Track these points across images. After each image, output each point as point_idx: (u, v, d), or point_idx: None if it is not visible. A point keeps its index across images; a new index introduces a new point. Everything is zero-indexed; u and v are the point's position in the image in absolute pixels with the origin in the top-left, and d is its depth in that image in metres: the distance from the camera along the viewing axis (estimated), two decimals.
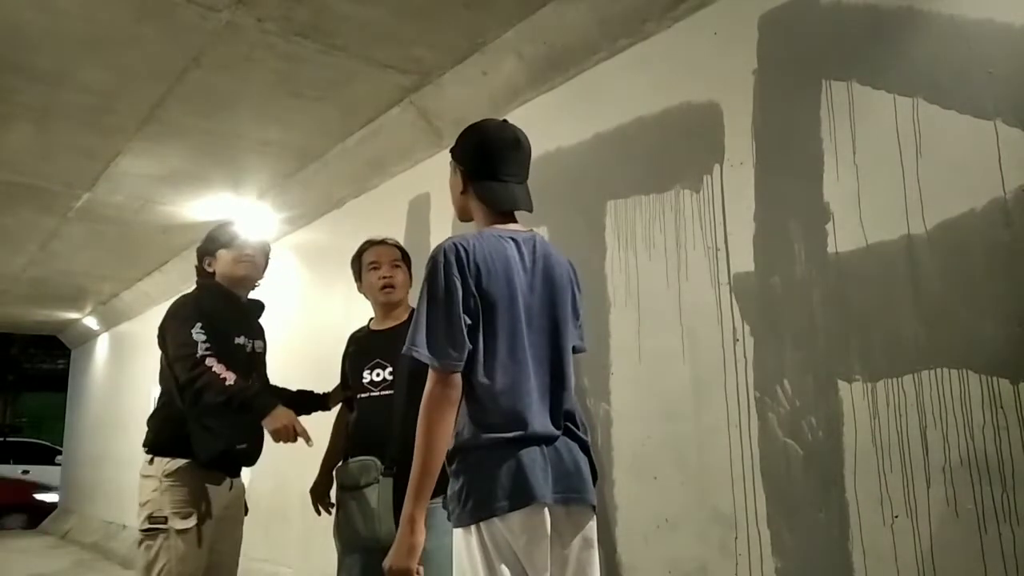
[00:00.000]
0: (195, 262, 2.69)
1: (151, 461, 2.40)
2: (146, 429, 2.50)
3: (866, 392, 1.94)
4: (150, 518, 2.31)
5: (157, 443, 2.43)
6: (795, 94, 2.20)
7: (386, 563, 1.46)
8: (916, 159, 1.90)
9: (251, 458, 2.57)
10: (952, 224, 1.82)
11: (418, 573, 1.45)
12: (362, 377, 2.40)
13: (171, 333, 2.39)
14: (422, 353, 1.48)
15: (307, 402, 2.68)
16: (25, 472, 11.64)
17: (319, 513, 2.63)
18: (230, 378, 2.25)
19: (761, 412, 2.17)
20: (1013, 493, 1.66)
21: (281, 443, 2.24)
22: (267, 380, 2.69)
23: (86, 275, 7.40)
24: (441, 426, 1.47)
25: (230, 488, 2.49)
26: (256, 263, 2.66)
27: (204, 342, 2.31)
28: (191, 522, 2.32)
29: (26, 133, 3.97)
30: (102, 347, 9.81)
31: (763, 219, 2.25)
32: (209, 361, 2.27)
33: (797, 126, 2.18)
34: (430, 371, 1.50)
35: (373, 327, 2.54)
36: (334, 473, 2.46)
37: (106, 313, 9.05)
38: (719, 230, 2.36)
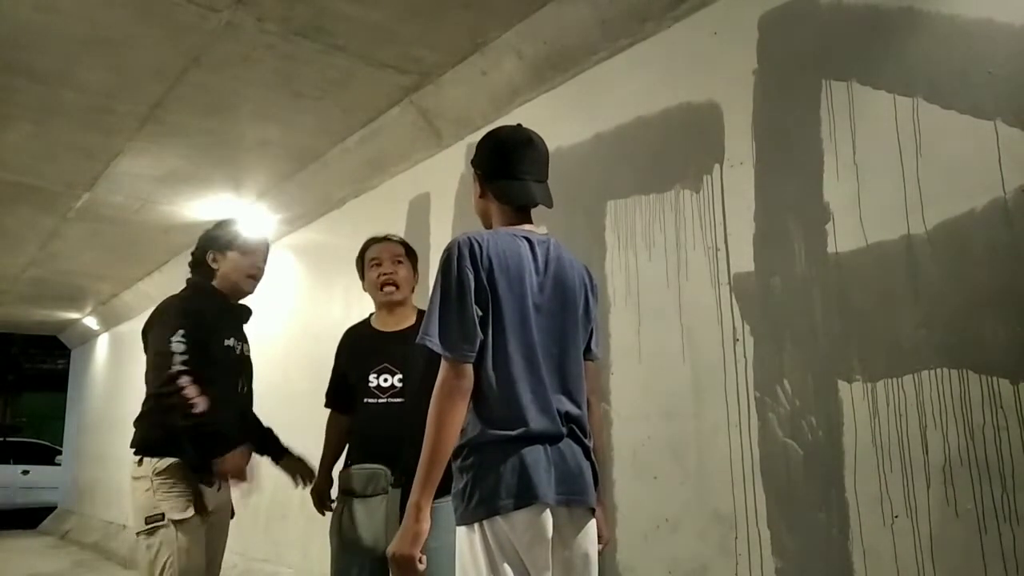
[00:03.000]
0: (193, 252, 2.60)
1: (140, 462, 2.34)
2: (133, 431, 2.44)
3: (866, 392, 1.94)
4: (147, 518, 2.27)
5: (146, 444, 2.37)
6: (795, 94, 2.20)
7: (390, 550, 1.46)
8: (916, 159, 1.90)
9: None
10: (952, 224, 1.82)
11: (420, 561, 1.45)
12: (368, 381, 2.32)
13: (152, 338, 2.35)
14: (434, 343, 1.49)
15: (267, 444, 2.64)
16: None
17: (322, 513, 2.62)
18: (200, 404, 2.18)
19: (761, 412, 2.17)
20: (1013, 493, 1.66)
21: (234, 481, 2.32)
22: (251, 387, 2.63)
23: (86, 275, 7.41)
24: (452, 415, 1.47)
25: (218, 489, 2.43)
26: (261, 278, 2.64)
27: (182, 353, 2.23)
28: (189, 512, 2.28)
29: (26, 133, 3.97)
30: (102, 347, 9.81)
31: (763, 219, 2.25)
32: (183, 380, 2.19)
33: (797, 126, 2.18)
34: (442, 362, 1.50)
35: (376, 325, 2.46)
36: (338, 477, 2.42)
37: (106, 313, 9.05)
38: (719, 230, 2.36)
